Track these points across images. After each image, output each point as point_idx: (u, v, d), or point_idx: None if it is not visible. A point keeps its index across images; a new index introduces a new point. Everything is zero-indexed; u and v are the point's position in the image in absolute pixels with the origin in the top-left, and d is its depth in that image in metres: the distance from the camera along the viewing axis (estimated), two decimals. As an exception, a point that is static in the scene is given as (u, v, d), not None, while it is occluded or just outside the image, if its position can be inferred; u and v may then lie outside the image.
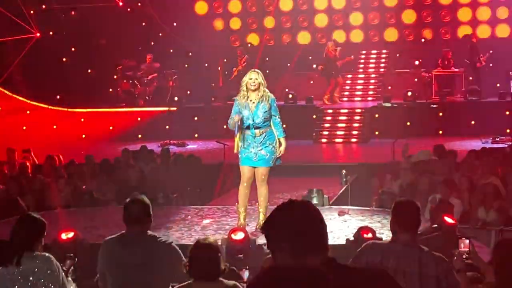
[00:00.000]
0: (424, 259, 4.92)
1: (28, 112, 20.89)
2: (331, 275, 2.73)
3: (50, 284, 5.20)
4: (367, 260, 4.93)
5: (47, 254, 5.31)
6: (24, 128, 20.49)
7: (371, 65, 23.46)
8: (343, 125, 19.98)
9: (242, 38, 24.29)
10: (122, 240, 5.32)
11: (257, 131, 9.14)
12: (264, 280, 2.88)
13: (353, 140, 19.47)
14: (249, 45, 23.37)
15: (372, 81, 22.80)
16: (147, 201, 5.38)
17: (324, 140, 19.63)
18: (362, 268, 3.10)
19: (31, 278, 5.16)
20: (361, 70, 23.24)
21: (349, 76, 22.72)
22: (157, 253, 5.24)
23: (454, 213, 9.85)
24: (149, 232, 5.35)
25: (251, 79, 9.15)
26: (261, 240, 8.67)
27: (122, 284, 5.28)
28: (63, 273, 5.37)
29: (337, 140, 19.59)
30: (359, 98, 22.21)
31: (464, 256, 5.27)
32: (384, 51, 23.58)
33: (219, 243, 8.46)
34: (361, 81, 22.87)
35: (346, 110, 20.53)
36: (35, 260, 5.20)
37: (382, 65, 23.38)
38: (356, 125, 19.92)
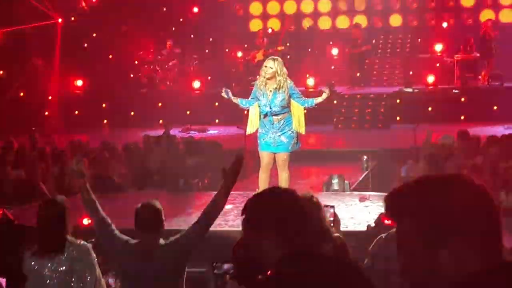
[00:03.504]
0: None
1: (50, 97, 20.98)
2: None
3: (87, 275, 5.16)
4: (386, 255, 4.89)
5: (84, 243, 5.28)
6: (46, 113, 20.58)
7: (392, 50, 23.27)
8: (364, 110, 19.86)
9: (263, 23, 24.19)
10: (136, 251, 5.19)
11: (274, 117, 9.14)
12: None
13: (374, 125, 19.36)
14: (269, 30, 23.30)
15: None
16: (159, 206, 5.27)
17: (344, 126, 19.54)
18: (334, 260, 3.03)
19: (70, 268, 5.11)
20: (381, 55, 23.08)
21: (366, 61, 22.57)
22: (170, 264, 5.15)
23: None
24: (161, 242, 5.23)
25: (266, 66, 9.13)
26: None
27: None
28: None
29: (358, 125, 19.47)
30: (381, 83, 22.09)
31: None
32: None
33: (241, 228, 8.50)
34: (382, 66, 22.72)
35: (367, 96, 20.40)
36: (75, 248, 5.16)
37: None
38: (377, 110, 19.80)
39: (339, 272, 2.65)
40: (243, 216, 2.95)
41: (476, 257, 1.91)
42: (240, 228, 8.00)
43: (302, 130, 9.31)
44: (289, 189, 3.03)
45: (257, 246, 2.85)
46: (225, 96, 9.40)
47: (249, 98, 9.37)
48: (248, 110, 9.51)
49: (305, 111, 9.40)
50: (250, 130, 9.47)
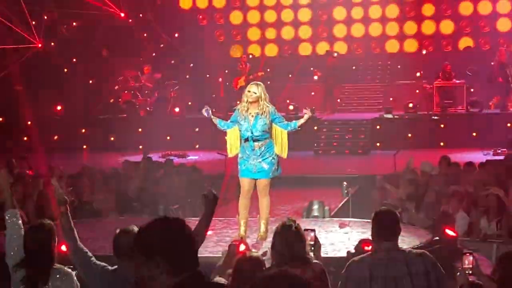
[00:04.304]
0: (410, 259, 4.97)
1: (29, 122, 20.85)
2: None
3: None
4: (357, 277, 5.02)
5: (68, 269, 5.20)
6: (25, 138, 20.44)
7: (372, 77, 23.43)
8: (344, 136, 19.93)
9: (243, 49, 24.30)
10: (115, 279, 5.10)
11: (255, 143, 9.12)
12: None
13: (354, 151, 19.42)
14: (250, 56, 23.39)
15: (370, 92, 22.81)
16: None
17: (325, 152, 19.58)
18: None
19: None
20: (361, 82, 23.22)
21: (346, 87, 22.74)
22: None
23: (460, 225, 9.85)
24: None
25: (249, 91, 9.13)
26: (261, 252, 8.62)
27: None
28: None
29: (338, 151, 19.53)
30: (362, 109, 22.20)
31: (467, 272, 5.26)
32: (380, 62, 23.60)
33: (221, 255, 8.45)
34: (362, 92, 22.85)
35: (347, 122, 20.48)
36: (59, 276, 5.08)
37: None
38: (357, 136, 19.87)
39: None
40: (135, 246, 3.01)
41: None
42: (220, 254, 7.92)
43: (285, 154, 9.30)
44: (178, 218, 3.11)
45: (150, 275, 2.88)
46: (205, 114, 9.36)
47: (229, 121, 9.37)
48: (226, 134, 9.49)
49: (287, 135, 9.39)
50: (230, 153, 9.44)
